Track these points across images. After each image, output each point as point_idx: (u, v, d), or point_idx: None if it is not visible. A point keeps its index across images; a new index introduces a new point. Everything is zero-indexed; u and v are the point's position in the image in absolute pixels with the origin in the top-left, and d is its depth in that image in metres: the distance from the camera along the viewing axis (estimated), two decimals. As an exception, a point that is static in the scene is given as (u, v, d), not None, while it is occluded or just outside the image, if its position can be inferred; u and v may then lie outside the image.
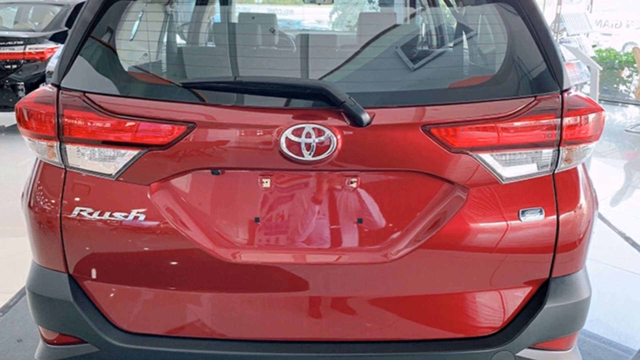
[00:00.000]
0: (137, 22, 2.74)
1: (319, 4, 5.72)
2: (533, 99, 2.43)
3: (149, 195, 2.42)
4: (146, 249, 2.47)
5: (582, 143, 2.48)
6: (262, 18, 3.83)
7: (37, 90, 2.58)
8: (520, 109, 2.41)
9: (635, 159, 10.03)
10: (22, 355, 3.86)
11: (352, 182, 2.44)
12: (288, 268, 2.47)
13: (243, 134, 2.37)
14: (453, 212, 2.42)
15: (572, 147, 2.46)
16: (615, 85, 15.15)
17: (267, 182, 2.44)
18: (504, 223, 2.44)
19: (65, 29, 10.41)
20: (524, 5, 2.50)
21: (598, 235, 5.60)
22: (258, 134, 2.36)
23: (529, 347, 2.56)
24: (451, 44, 3.66)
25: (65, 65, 2.48)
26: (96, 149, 2.42)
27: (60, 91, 2.46)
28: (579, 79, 11.02)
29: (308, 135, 2.31)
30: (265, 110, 2.38)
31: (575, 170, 2.55)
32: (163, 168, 2.41)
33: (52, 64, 9.77)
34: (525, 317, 2.54)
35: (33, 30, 10.82)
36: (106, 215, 2.43)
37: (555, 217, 2.47)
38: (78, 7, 10.62)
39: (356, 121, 2.31)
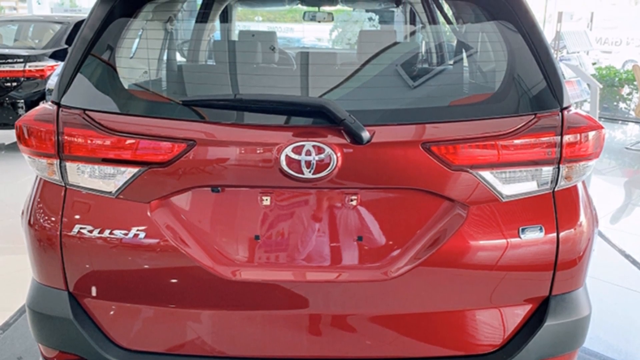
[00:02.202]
0: (137, 40, 2.75)
1: (319, 21, 5.74)
2: (533, 116, 2.43)
3: (149, 213, 2.42)
4: (146, 266, 2.46)
5: (582, 161, 2.48)
6: (262, 36, 3.84)
7: (37, 107, 2.58)
8: (520, 127, 2.41)
9: (635, 176, 10.02)
10: (21, 373, 3.84)
11: (352, 200, 2.44)
12: (288, 286, 2.46)
13: (243, 151, 2.37)
14: (453, 229, 2.42)
15: (572, 164, 2.46)
16: (615, 103, 15.15)
17: (267, 199, 2.44)
18: (504, 241, 2.43)
19: (65, 46, 10.41)
20: (524, 23, 2.50)
21: (598, 252, 5.59)
22: (258, 151, 2.36)
23: (529, 365, 2.55)
24: (451, 62, 3.66)
25: (65, 83, 2.48)
26: (96, 166, 2.42)
27: (60, 109, 2.46)
28: (579, 97, 11.04)
29: (308, 153, 2.31)
30: (265, 127, 2.38)
31: (575, 187, 2.54)
32: (163, 186, 2.41)
33: (52, 82, 9.75)
34: (525, 335, 2.53)
35: (33, 48, 10.81)
36: (106, 233, 2.43)
37: (555, 234, 2.46)
38: (78, 25, 10.63)
39: (356, 139, 2.31)
